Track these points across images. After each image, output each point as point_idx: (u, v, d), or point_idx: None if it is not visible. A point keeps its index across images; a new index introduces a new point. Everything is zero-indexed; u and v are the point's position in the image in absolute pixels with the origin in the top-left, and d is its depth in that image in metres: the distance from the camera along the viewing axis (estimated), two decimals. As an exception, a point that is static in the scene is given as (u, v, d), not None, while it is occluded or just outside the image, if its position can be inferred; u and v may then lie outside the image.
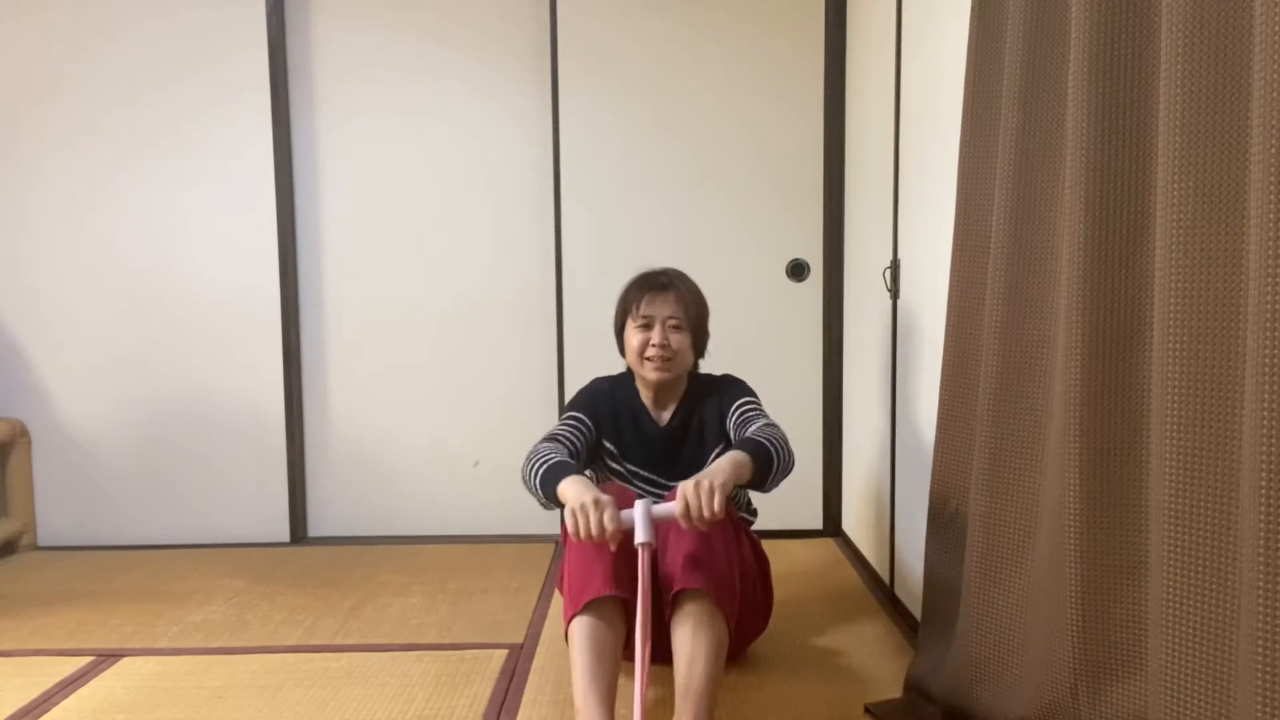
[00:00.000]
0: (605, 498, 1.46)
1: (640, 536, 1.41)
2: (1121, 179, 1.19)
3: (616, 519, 1.43)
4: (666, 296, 1.84)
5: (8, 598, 2.36)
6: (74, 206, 2.80)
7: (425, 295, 2.89)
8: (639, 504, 1.44)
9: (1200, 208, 0.99)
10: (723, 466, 1.52)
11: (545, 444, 1.74)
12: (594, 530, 1.42)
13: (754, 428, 1.72)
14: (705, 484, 1.43)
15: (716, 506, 1.41)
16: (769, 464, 1.61)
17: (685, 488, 1.43)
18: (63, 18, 2.75)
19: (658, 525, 1.50)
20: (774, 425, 1.74)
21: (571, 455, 1.76)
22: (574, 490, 1.51)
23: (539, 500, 1.66)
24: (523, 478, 1.71)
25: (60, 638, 2.05)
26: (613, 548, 1.48)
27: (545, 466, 1.63)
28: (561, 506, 1.56)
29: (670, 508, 1.45)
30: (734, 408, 1.85)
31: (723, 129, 2.81)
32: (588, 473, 1.76)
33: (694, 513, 1.42)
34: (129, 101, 2.77)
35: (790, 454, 1.69)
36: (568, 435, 1.81)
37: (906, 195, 2.11)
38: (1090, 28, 1.20)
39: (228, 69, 2.76)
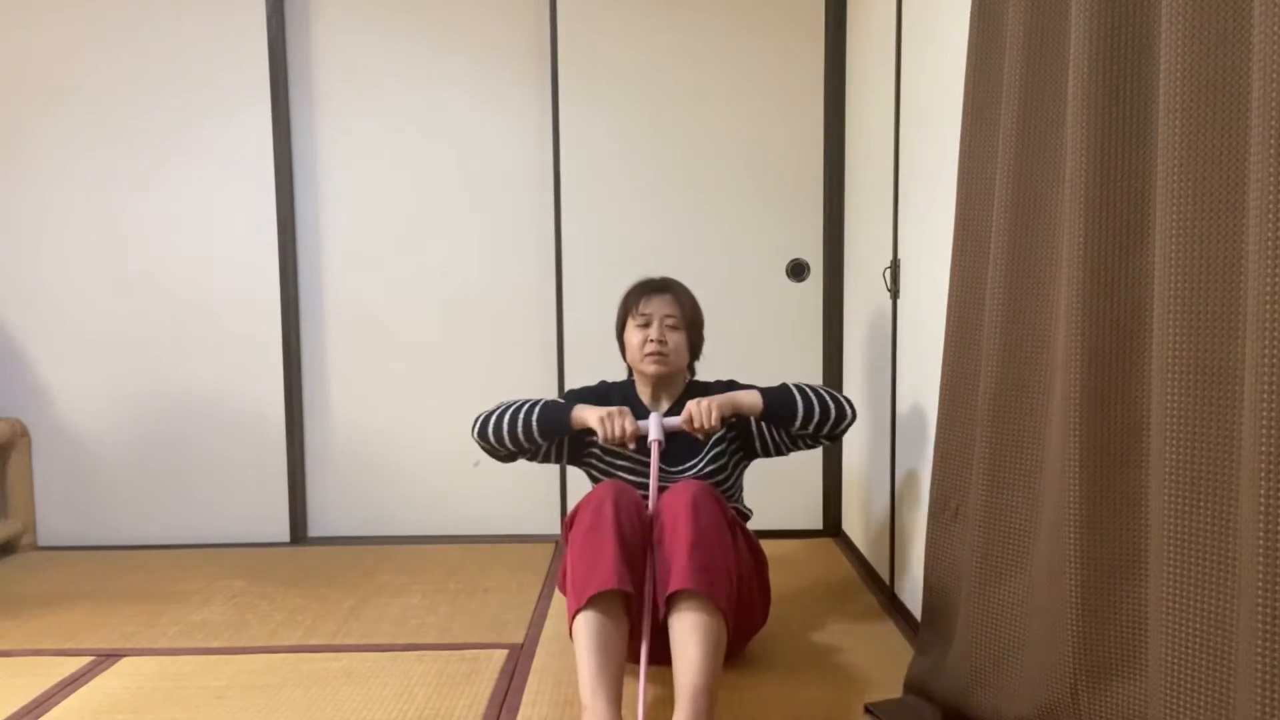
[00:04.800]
0: (624, 407, 1.79)
1: (653, 435, 1.79)
2: (1121, 179, 1.19)
3: (635, 424, 1.77)
4: (664, 297, 1.93)
5: (8, 598, 2.37)
6: (75, 207, 2.80)
7: (425, 296, 2.89)
8: (653, 415, 1.81)
9: (1200, 207, 0.99)
10: (727, 394, 1.83)
11: (514, 399, 1.90)
12: (616, 431, 1.74)
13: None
14: (705, 404, 1.77)
15: (715, 420, 1.75)
16: (791, 407, 1.82)
17: (690, 404, 1.77)
18: (63, 22, 2.75)
19: (657, 524, 1.61)
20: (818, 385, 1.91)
21: None
22: (592, 409, 1.80)
23: (512, 444, 1.85)
24: (495, 422, 1.85)
25: (60, 638, 2.06)
26: (631, 446, 1.78)
27: (541, 404, 1.86)
28: (554, 437, 1.87)
29: (676, 420, 1.79)
30: None
31: (723, 129, 2.81)
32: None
33: (695, 423, 1.75)
34: (130, 104, 2.77)
35: (834, 396, 1.85)
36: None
37: (906, 195, 2.11)
38: (1090, 27, 1.20)
39: (228, 71, 2.76)
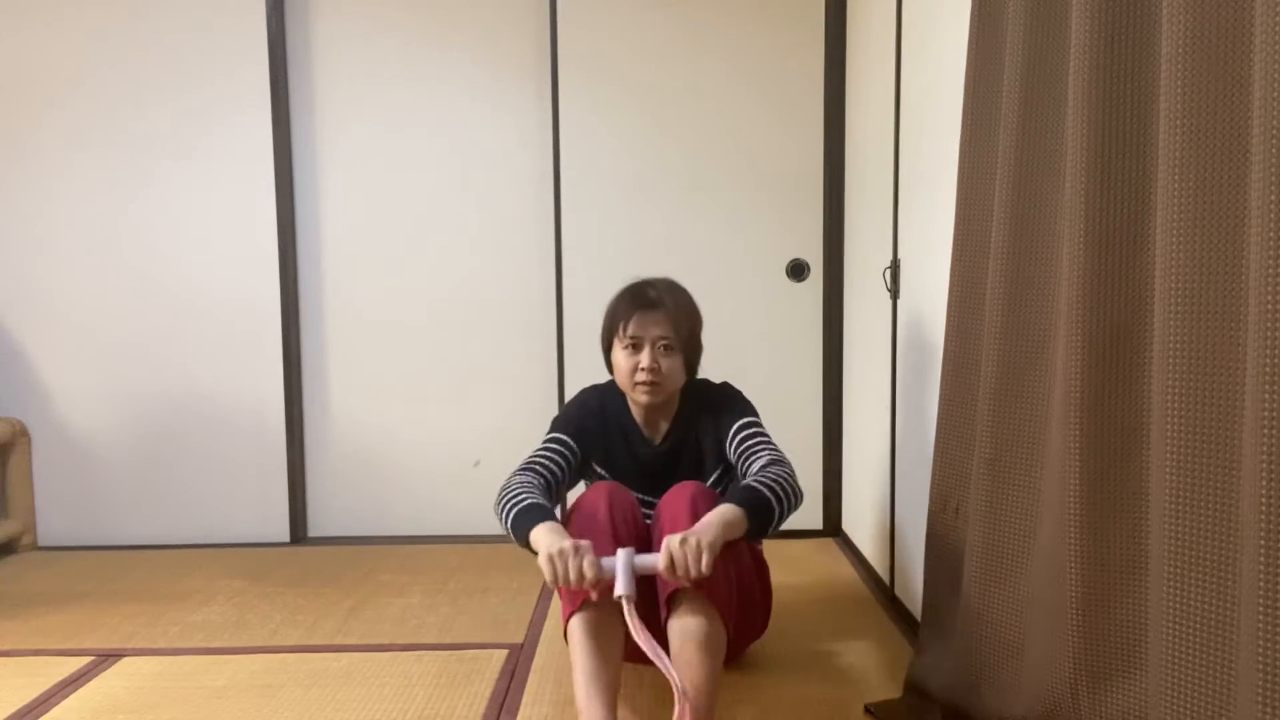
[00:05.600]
0: (584, 543, 1.41)
1: (620, 589, 1.36)
2: (1121, 179, 1.19)
3: (596, 566, 1.38)
4: (656, 315, 1.74)
5: (8, 598, 2.37)
6: (75, 207, 2.80)
7: (425, 296, 2.89)
8: (621, 553, 1.41)
9: (1200, 208, 0.99)
10: (713, 523, 1.46)
11: (520, 476, 1.66)
12: (573, 578, 1.37)
13: (758, 466, 1.65)
14: (693, 543, 1.39)
15: (704, 568, 1.38)
16: (770, 516, 1.54)
17: (671, 543, 1.39)
18: (63, 22, 2.75)
19: (655, 526, 1.55)
20: (780, 461, 1.65)
21: (549, 485, 1.69)
22: (547, 537, 1.44)
23: (513, 539, 1.58)
24: (496, 514, 1.63)
25: (60, 638, 2.06)
26: (594, 597, 1.44)
27: (516, 510, 1.55)
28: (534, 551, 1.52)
29: (654, 560, 1.41)
30: (733, 432, 1.77)
31: (722, 130, 2.81)
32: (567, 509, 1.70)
33: (679, 570, 1.38)
34: (131, 104, 2.77)
35: (797, 494, 1.61)
36: (546, 464, 1.72)
37: (906, 195, 2.11)
38: (1090, 28, 1.20)
39: (228, 71, 2.76)
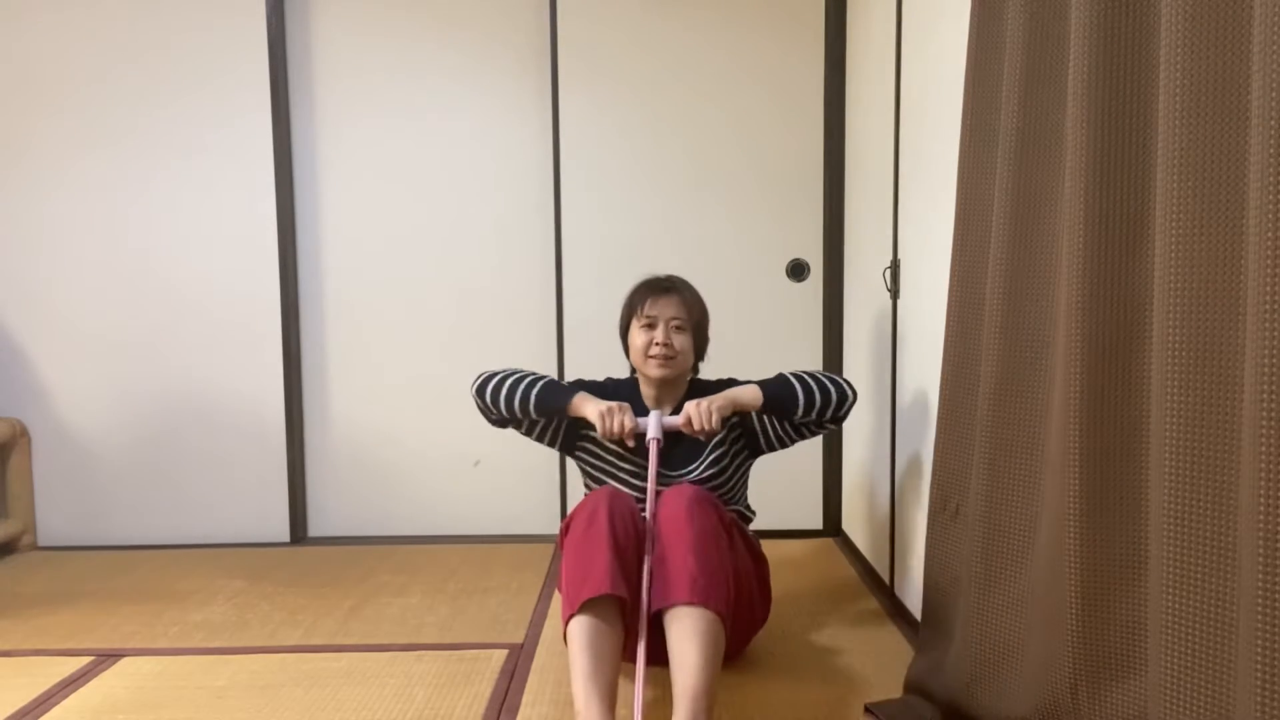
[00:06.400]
0: (624, 404, 1.78)
1: (652, 433, 1.78)
2: (1121, 179, 1.19)
3: (634, 420, 1.76)
4: (670, 299, 1.90)
5: (8, 598, 2.37)
6: (76, 207, 2.80)
7: (425, 296, 2.89)
8: (653, 414, 1.80)
9: (1200, 208, 0.99)
10: (725, 394, 1.81)
11: (521, 368, 1.90)
12: (615, 427, 1.73)
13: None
14: (705, 405, 1.75)
15: (715, 422, 1.74)
16: (791, 396, 1.81)
17: (689, 406, 1.76)
18: (64, 22, 2.75)
19: (658, 527, 1.61)
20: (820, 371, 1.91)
21: None
22: (591, 401, 1.79)
23: (507, 411, 1.84)
24: (494, 385, 1.85)
25: (60, 638, 2.06)
26: (630, 443, 1.79)
27: (542, 383, 1.84)
28: (549, 418, 1.87)
29: (676, 420, 1.79)
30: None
31: (723, 129, 2.81)
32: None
33: (695, 424, 1.74)
34: (130, 103, 2.77)
35: (834, 384, 1.83)
36: None
37: (906, 195, 2.11)
38: (1090, 27, 1.20)
39: (228, 71, 2.76)
